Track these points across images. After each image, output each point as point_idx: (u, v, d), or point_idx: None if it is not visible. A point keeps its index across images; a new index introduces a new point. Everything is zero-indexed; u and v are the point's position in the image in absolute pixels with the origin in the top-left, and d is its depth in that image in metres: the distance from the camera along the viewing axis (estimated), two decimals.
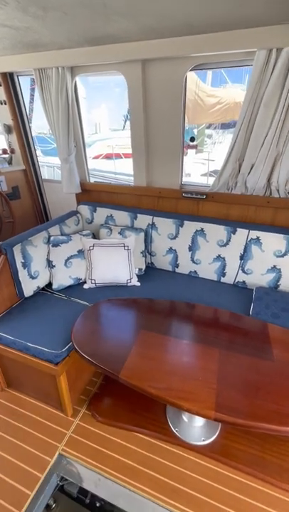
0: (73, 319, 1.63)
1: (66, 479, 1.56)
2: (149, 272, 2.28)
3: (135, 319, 1.66)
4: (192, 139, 5.97)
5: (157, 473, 1.43)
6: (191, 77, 5.00)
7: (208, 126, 7.43)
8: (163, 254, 2.26)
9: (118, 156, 7.02)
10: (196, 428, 1.58)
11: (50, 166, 4.90)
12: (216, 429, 1.59)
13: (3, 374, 1.82)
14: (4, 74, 2.31)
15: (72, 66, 2.00)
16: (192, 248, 2.15)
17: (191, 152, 6.76)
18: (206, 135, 7.72)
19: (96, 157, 7.42)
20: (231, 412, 1.08)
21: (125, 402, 1.75)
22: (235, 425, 1.07)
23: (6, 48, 1.97)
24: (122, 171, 5.14)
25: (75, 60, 1.93)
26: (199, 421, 1.58)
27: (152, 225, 2.23)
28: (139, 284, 2.12)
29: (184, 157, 2.21)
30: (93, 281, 2.07)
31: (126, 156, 6.78)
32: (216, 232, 2.05)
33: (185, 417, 1.60)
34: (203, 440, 1.54)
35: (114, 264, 2.08)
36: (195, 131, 7.01)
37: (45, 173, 4.91)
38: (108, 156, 7.32)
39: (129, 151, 2.30)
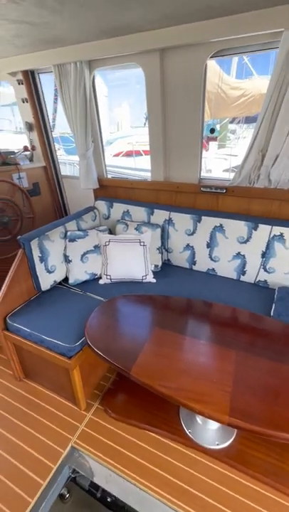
0: (88, 314, 1.63)
1: (78, 472, 1.57)
2: (165, 269, 2.23)
3: (150, 316, 1.62)
4: (212, 131, 5.79)
5: (168, 474, 1.39)
6: (214, 69, 4.83)
7: (232, 121, 7.17)
8: (180, 250, 2.20)
9: (138, 153, 6.99)
10: (210, 431, 1.52)
11: (71, 163, 4.99)
12: (232, 433, 1.52)
13: (21, 364, 1.87)
14: (25, 72, 2.36)
15: (90, 60, 1.99)
16: (210, 245, 2.07)
17: (212, 147, 6.56)
18: (229, 130, 7.45)
19: (116, 155, 7.45)
20: (247, 417, 1.01)
21: (138, 399, 1.73)
22: (251, 432, 1.00)
23: (25, 46, 2.01)
24: (142, 168, 5.11)
25: (92, 54, 1.92)
26: (213, 424, 1.52)
27: (169, 221, 2.18)
28: (154, 280, 2.08)
29: (205, 152, 2.12)
30: (108, 277, 2.06)
31: (146, 153, 6.74)
32: (236, 228, 1.96)
33: (199, 418, 1.55)
34: (218, 444, 1.48)
35: (129, 260, 2.06)
36: (218, 126, 6.79)
37: (67, 171, 5.01)
38: (128, 154, 7.32)
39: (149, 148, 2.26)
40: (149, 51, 1.80)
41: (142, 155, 6.89)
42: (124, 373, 1.23)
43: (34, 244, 1.78)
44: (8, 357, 1.81)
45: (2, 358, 2.05)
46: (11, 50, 2.11)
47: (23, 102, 2.50)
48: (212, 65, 1.76)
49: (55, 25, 1.65)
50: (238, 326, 1.50)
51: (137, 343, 1.38)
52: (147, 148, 2.26)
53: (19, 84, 2.42)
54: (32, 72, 2.39)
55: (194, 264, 2.19)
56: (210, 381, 1.16)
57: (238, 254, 1.99)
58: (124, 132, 8.78)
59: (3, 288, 1.69)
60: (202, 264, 2.15)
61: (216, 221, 2.01)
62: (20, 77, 2.37)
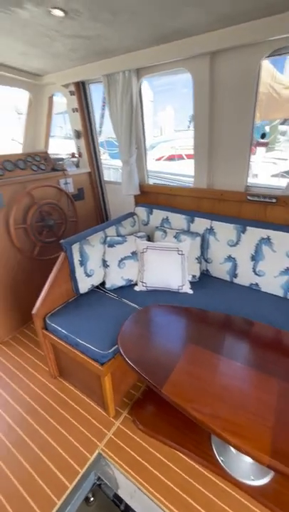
0: (122, 320, 1.63)
1: (103, 480, 1.56)
2: (204, 280, 2.13)
3: (184, 330, 1.56)
4: (263, 136, 5.45)
5: (196, 502, 1.30)
6: (267, 68, 4.56)
7: (283, 122, 6.68)
8: (220, 261, 2.08)
9: (180, 157, 6.92)
10: (245, 463, 1.39)
11: (115, 168, 5.13)
12: (270, 470, 1.37)
13: (56, 363, 1.94)
14: (77, 83, 2.48)
15: (138, 68, 2.01)
16: (255, 258, 1.92)
17: (259, 150, 6.18)
18: (280, 132, 6.95)
19: (159, 159, 7.46)
20: None
21: (168, 415, 1.66)
22: None
23: (78, 59, 2.11)
24: (182, 173, 5.03)
25: (140, 62, 1.93)
26: None
27: (210, 230, 2.08)
28: (191, 291, 2.00)
29: (252, 156, 1.99)
30: (144, 284, 2.04)
31: (188, 156, 6.62)
32: (287, 241, 1.78)
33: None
34: (253, 479, 1.34)
35: (166, 268, 2.01)
36: (267, 128, 6.38)
37: (110, 176, 5.16)
38: (171, 158, 7.28)
39: (192, 151, 2.20)
40: (198, 55, 1.75)
41: (184, 159, 6.79)
42: (155, 390, 1.18)
43: (75, 249, 1.84)
44: (45, 354, 1.89)
45: (40, 355, 2.16)
46: (66, 64, 2.23)
47: (74, 111, 2.63)
48: (265, 64, 1.64)
49: (107, 37, 1.70)
50: (283, 350, 1.36)
51: (169, 358, 1.33)
52: (190, 152, 2.20)
53: (71, 95, 2.55)
54: (83, 83, 2.51)
55: (235, 277, 2.06)
56: (248, 412, 1.06)
57: (287, 269, 1.81)
58: (168, 136, 8.77)
59: (45, 289, 1.77)
60: (244, 277, 2.01)
61: (263, 233, 1.86)
62: (72, 88, 2.50)
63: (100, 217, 3.15)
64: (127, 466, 1.45)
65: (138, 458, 1.49)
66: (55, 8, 1.33)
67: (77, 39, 1.74)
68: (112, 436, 1.60)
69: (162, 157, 7.41)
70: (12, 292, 2.31)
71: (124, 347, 1.39)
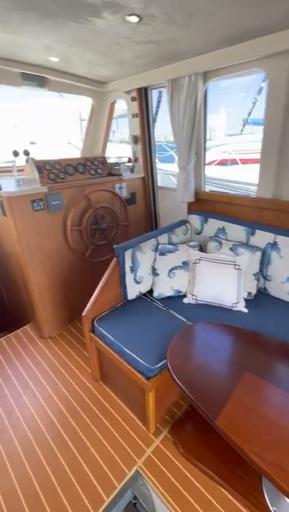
0: (170, 333, 1.55)
1: (139, 499, 1.49)
2: (261, 299, 1.94)
3: (239, 355, 1.41)
4: None
5: None
6: None
7: None
8: (282, 280, 1.87)
9: (234, 161, 6.61)
10: None
11: (164, 173, 5.10)
12: None
13: (99, 367, 1.95)
14: (139, 89, 2.49)
15: (206, 71, 1.92)
16: None
17: None
18: None
19: (210, 163, 7.26)
20: None
21: (212, 442, 1.53)
22: None
23: (144, 65, 2.10)
24: (237, 179, 4.76)
25: (209, 65, 1.85)
26: None
27: (274, 245, 1.88)
28: (246, 310, 1.83)
29: None
30: (194, 297, 1.93)
31: (243, 162, 6.29)
32: None
33: None
34: None
35: (220, 282, 1.87)
36: None
37: (158, 181, 5.16)
38: (222, 162, 7.01)
39: (247, 156, 2.02)
40: (277, 54, 1.59)
41: (237, 164, 6.47)
42: (208, 420, 1.08)
43: (128, 255, 1.83)
44: (90, 357, 1.91)
45: (84, 355, 2.20)
46: (131, 70, 2.25)
47: (133, 116, 2.65)
48: None
49: (177, 40, 1.65)
50: None
51: (222, 384, 1.20)
52: (245, 157, 2.03)
53: (132, 100, 2.58)
54: (145, 89, 2.51)
55: None
56: None
57: None
58: (219, 140, 8.50)
59: (96, 292, 1.79)
60: None
61: None
62: (134, 94, 2.53)
63: (150, 222, 3.12)
64: (165, 491, 1.36)
65: (177, 484, 1.39)
66: (132, 14, 1.33)
67: (146, 45, 1.73)
68: (151, 455, 1.53)
69: (214, 161, 7.18)
70: (62, 290, 2.41)
71: (174, 365, 1.30)
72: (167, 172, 5.08)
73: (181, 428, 1.65)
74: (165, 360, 1.47)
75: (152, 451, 1.54)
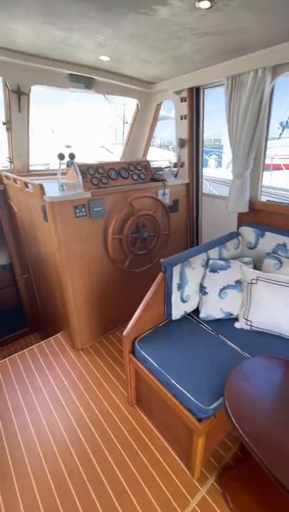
0: (223, 365, 1.35)
1: None
2: None
3: None
4: None
5: None
6: None
7: None
8: None
9: (277, 167, 6.16)
10: None
11: (206, 178, 4.86)
12: None
13: (136, 391, 1.77)
14: (191, 89, 2.31)
15: (276, 65, 1.69)
16: None
17: None
18: None
19: None
20: None
21: (271, 500, 1.27)
22: None
23: (201, 61, 1.92)
24: (285, 186, 4.38)
25: (281, 57, 1.61)
26: None
27: None
28: None
29: None
30: (249, 323, 1.68)
31: (288, 167, 5.83)
32: None
33: None
34: None
35: (281, 307, 1.61)
36: None
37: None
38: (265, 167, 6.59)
39: None
40: None
41: (282, 169, 6.03)
42: (283, 492, 0.84)
43: (176, 270, 1.63)
44: (127, 380, 1.74)
45: (119, 375, 2.03)
46: (185, 68, 2.08)
47: (182, 118, 2.47)
48: None
49: (248, 29, 1.45)
50: None
51: None
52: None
53: (181, 101, 2.40)
54: (197, 89, 2.32)
55: None
56: None
57: None
58: None
59: (139, 310, 1.62)
60: None
61: None
62: (184, 94, 2.35)
63: (190, 231, 2.91)
64: None
65: None
66: None
67: (210, 36, 1.54)
68: (196, 508, 1.31)
69: None
70: (98, 301, 2.28)
71: (236, 412, 1.08)
72: (207, 178, 4.83)
73: (231, 478, 1.41)
74: (220, 400, 1.25)
75: (197, 503, 1.32)
